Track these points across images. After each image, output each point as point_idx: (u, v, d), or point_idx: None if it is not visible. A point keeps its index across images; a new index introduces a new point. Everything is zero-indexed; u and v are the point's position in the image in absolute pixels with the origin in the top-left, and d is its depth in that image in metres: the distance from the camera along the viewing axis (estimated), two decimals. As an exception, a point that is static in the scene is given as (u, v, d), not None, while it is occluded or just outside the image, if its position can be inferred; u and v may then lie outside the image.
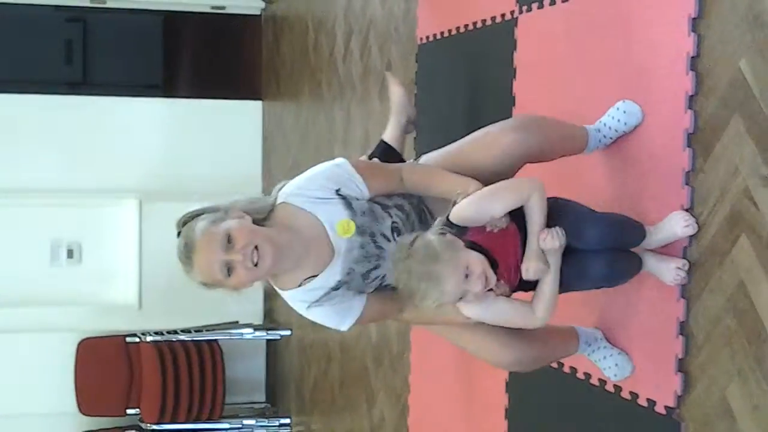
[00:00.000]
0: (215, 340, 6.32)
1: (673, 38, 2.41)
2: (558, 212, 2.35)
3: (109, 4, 6.66)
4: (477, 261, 2.22)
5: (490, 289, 2.27)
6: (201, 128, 6.75)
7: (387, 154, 3.64)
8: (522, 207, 2.32)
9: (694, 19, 2.34)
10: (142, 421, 6.30)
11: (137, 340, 6.34)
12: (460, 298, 2.24)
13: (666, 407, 2.44)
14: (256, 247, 2.41)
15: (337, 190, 2.52)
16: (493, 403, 3.36)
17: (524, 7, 3.16)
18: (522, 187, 2.33)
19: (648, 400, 2.51)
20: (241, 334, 6.32)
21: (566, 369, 2.90)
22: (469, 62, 3.61)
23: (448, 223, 2.31)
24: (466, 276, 2.20)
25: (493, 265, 2.26)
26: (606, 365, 2.63)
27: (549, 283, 2.30)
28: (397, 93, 3.80)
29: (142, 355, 6.32)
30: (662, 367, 2.45)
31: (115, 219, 6.55)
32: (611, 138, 2.62)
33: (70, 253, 6.37)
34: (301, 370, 6.02)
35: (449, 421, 3.82)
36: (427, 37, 3.93)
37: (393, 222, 2.54)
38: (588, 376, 2.79)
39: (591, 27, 2.81)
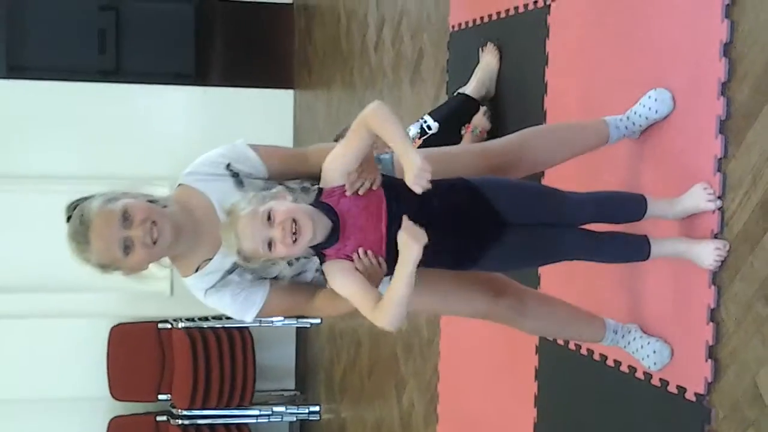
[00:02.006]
0: (246, 327, 6.36)
1: (707, 25, 2.40)
2: (530, 194, 2.35)
3: (142, -7, 6.71)
4: (283, 209, 2.12)
5: (351, 259, 2.20)
6: (232, 116, 6.78)
7: (467, 104, 3.59)
8: (480, 191, 2.27)
9: (727, 5, 2.33)
10: (174, 407, 6.36)
11: (169, 326, 6.41)
12: (270, 247, 2.12)
13: (696, 394, 2.44)
14: (153, 223, 2.32)
15: (228, 165, 2.43)
16: (523, 390, 3.37)
17: (557, -5, 3.16)
18: (357, 125, 2.20)
19: (678, 387, 2.51)
20: (271, 321, 6.34)
21: (596, 356, 2.90)
22: (501, 50, 3.60)
23: (319, 190, 2.25)
24: (269, 220, 2.11)
25: (335, 223, 2.18)
26: (644, 354, 2.61)
27: (395, 283, 2.14)
28: (489, 63, 3.62)
29: (174, 341, 6.38)
30: (692, 354, 2.44)
31: (147, 206, 6.59)
32: (641, 126, 2.62)
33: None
34: (330, 358, 6.05)
35: (479, 409, 3.83)
36: (459, 25, 3.93)
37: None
38: (618, 363, 2.79)
39: (623, 14, 2.80)
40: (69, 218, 2.38)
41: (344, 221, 2.20)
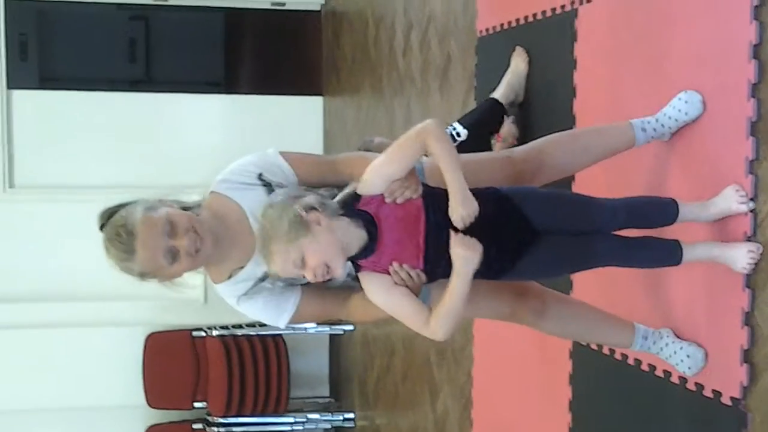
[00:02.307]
0: (279, 334, 6.37)
1: (736, 26, 2.39)
2: (562, 202, 2.34)
3: (171, 2, 6.74)
4: (316, 253, 2.12)
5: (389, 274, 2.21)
6: (262, 124, 6.80)
7: (495, 109, 3.59)
8: (512, 201, 2.27)
9: (756, 6, 2.32)
10: (209, 414, 6.39)
11: (203, 334, 6.44)
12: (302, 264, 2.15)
13: (732, 398, 2.42)
14: (196, 232, 2.35)
15: (260, 175, 2.45)
16: (557, 395, 3.36)
17: (584, -2, 3.14)
18: (413, 137, 2.21)
19: (713, 391, 2.49)
20: (305, 329, 6.37)
21: (630, 361, 2.88)
22: (529, 54, 3.59)
23: (354, 195, 2.24)
24: (303, 262, 2.13)
25: (372, 235, 2.18)
26: (678, 359, 2.60)
27: (449, 299, 2.16)
28: (518, 67, 3.62)
29: (208, 349, 6.41)
30: (727, 358, 2.43)
31: (179, 214, 6.62)
32: (671, 128, 2.61)
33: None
34: (364, 365, 6.05)
35: (513, 414, 3.82)
36: (487, 30, 3.92)
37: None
38: (653, 367, 2.77)
39: (651, 17, 2.79)
40: (102, 227, 2.40)
41: (381, 232, 2.20)
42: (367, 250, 2.20)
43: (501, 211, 2.26)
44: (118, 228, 2.35)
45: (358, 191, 2.24)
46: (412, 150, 2.21)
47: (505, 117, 3.58)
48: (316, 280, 2.17)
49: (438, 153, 2.19)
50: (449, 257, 2.17)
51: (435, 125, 2.21)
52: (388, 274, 2.22)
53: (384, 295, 2.23)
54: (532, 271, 2.38)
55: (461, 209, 2.15)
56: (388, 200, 2.21)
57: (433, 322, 2.19)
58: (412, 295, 2.22)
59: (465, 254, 2.13)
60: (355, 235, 2.19)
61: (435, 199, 2.22)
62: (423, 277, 2.22)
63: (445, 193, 2.20)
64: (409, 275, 2.22)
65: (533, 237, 2.28)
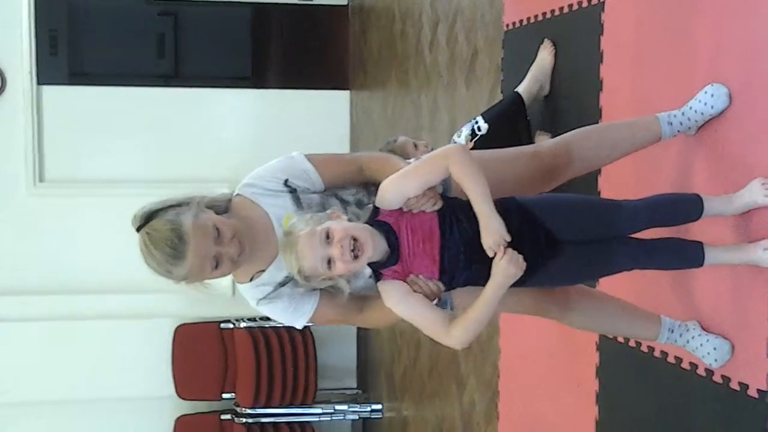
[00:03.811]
0: (307, 326, 6.38)
1: (764, 18, 2.39)
2: (583, 211, 2.34)
3: (198, -2, 6.81)
4: (339, 227, 2.14)
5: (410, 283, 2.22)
6: (290, 118, 6.84)
7: (517, 103, 3.60)
8: (533, 213, 2.27)
9: (783, -1, 2.32)
10: (238, 405, 6.44)
11: (231, 326, 6.49)
12: (329, 265, 2.15)
13: (759, 390, 2.42)
14: (239, 239, 2.41)
15: (286, 181, 2.49)
16: (584, 387, 3.37)
17: (611, -8, 3.15)
18: (434, 160, 2.23)
19: (740, 383, 2.50)
20: (332, 321, 6.39)
21: (657, 353, 2.89)
22: (555, 47, 3.60)
23: (374, 208, 2.25)
24: (327, 238, 2.14)
25: (393, 245, 2.19)
26: (704, 352, 2.60)
27: (479, 308, 2.19)
28: (544, 59, 3.61)
29: (236, 340, 6.46)
30: (754, 350, 2.43)
31: (207, 208, 6.68)
32: (698, 121, 2.61)
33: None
34: (391, 357, 6.08)
35: (540, 406, 3.84)
36: (514, 24, 3.94)
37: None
38: (679, 360, 2.78)
39: (678, 10, 2.79)
40: (140, 228, 2.42)
41: (401, 242, 2.21)
42: (390, 259, 2.22)
43: (521, 223, 2.25)
44: (167, 232, 2.36)
45: (376, 203, 2.26)
46: (432, 173, 2.22)
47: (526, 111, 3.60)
48: (344, 260, 2.14)
49: (463, 180, 2.19)
50: (474, 269, 2.20)
51: (459, 151, 2.22)
52: (407, 282, 2.24)
53: (403, 303, 2.24)
54: (553, 281, 2.40)
55: (488, 239, 2.15)
56: (405, 210, 2.23)
57: (457, 329, 2.21)
58: (430, 303, 2.24)
59: (507, 268, 2.14)
60: (377, 241, 2.20)
61: (455, 210, 2.22)
62: (441, 286, 2.24)
63: (468, 205, 2.20)
64: (426, 285, 2.23)
65: (554, 247, 2.28)
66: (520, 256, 2.16)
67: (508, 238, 2.15)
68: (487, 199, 2.18)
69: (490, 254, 2.16)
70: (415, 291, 2.23)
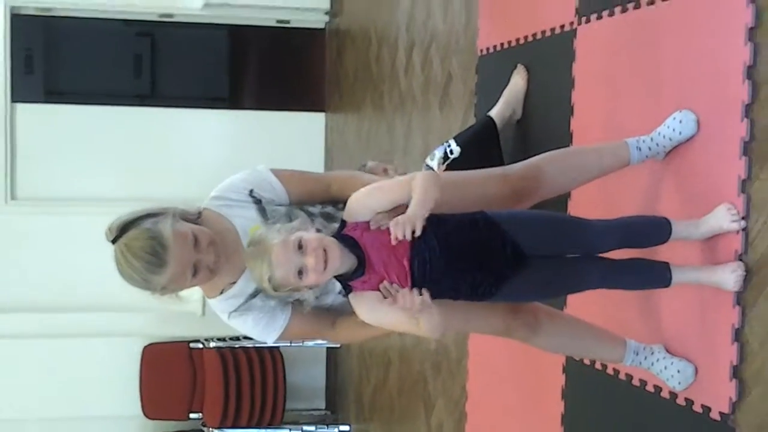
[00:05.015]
0: (276, 347, 6.40)
1: (730, 48, 2.44)
2: (552, 226, 2.37)
3: (176, 19, 6.80)
4: (313, 236, 2.17)
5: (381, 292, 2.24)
6: (265, 139, 6.84)
7: (489, 127, 3.62)
8: (500, 226, 2.29)
9: (750, 28, 2.37)
10: (205, 425, 6.41)
11: (200, 346, 6.47)
12: (300, 275, 2.16)
13: (721, 413, 2.45)
14: (216, 247, 2.43)
15: (251, 191, 2.52)
16: (550, 409, 3.39)
17: (584, 19, 3.19)
18: (404, 179, 2.28)
19: (703, 406, 2.53)
20: (302, 341, 6.37)
21: (622, 376, 2.92)
22: (528, 72, 3.64)
23: (341, 222, 2.28)
24: (300, 248, 2.14)
25: (360, 257, 2.22)
26: (668, 375, 2.63)
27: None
28: (517, 84, 3.65)
29: (205, 360, 6.43)
30: (717, 373, 2.46)
31: (180, 228, 6.66)
32: (666, 147, 2.65)
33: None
34: (360, 378, 6.08)
35: (506, 428, 3.85)
36: (488, 49, 3.98)
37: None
38: (644, 383, 2.80)
39: (648, 38, 2.84)
40: (116, 239, 2.42)
41: (368, 255, 2.24)
42: (357, 271, 2.24)
43: (489, 236, 2.28)
44: (147, 241, 2.37)
45: (344, 217, 2.28)
46: (397, 192, 2.26)
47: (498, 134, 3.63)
48: (317, 270, 2.15)
49: (413, 190, 2.22)
50: (455, 276, 2.23)
51: (428, 174, 2.26)
52: (378, 291, 2.26)
53: (373, 310, 2.26)
54: (518, 295, 2.42)
55: (399, 225, 2.17)
56: (372, 227, 2.25)
57: (422, 321, 2.22)
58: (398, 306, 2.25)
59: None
60: (344, 253, 2.22)
61: (427, 225, 2.24)
62: (426, 295, 2.21)
63: (437, 218, 2.24)
64: (398, 291, 2.23)
65: (521, 261, 2.30)
66: (421, 298, 2.17)
67: (420, 226, 2.16)
68: (423, 197, 2.20)
69: (393, 231, 2.18)
70: (385, 298, 2.24)
